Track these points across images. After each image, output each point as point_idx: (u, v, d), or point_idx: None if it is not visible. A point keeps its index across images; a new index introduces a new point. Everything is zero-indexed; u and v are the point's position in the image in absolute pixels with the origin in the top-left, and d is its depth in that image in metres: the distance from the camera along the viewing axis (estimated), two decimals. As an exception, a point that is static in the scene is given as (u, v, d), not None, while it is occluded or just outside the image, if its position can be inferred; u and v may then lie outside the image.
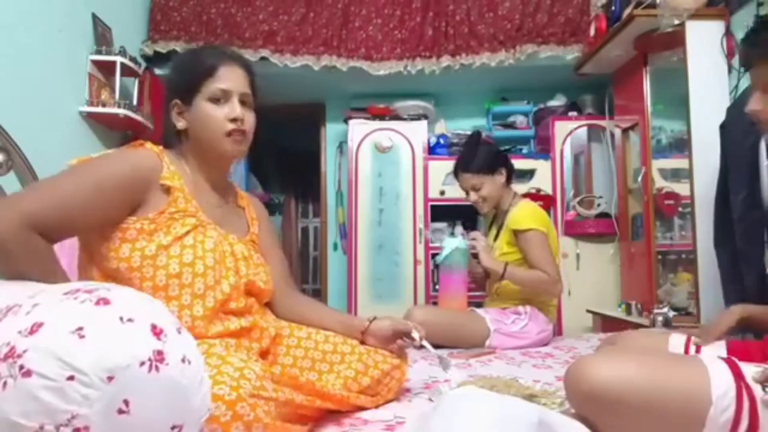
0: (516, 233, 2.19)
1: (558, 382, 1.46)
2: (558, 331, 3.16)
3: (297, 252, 5.49)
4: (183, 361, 0.73)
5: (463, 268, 2.24)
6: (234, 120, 1.19)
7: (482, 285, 2.44)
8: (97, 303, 0.72)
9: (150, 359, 0.69)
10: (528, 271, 2.16)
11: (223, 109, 1.19)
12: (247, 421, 0.82)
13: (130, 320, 0.71)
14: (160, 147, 1.18)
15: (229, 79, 1.20)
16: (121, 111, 2.74)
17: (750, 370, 0.95)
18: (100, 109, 2.72)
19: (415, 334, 1.34)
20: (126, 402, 0.67)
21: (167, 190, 1.12)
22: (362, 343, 1.31)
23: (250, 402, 0.83)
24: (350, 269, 3.53)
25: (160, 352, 0.70)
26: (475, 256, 2.21)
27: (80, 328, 0.68)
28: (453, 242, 2.24)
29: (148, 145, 1.16)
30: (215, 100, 1.18)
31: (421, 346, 1.36)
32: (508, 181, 2.31)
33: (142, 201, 1.09)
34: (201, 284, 1.08)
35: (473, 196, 2.28)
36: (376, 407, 1.26)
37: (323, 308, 1.44)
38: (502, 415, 0.86)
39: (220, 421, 0.80)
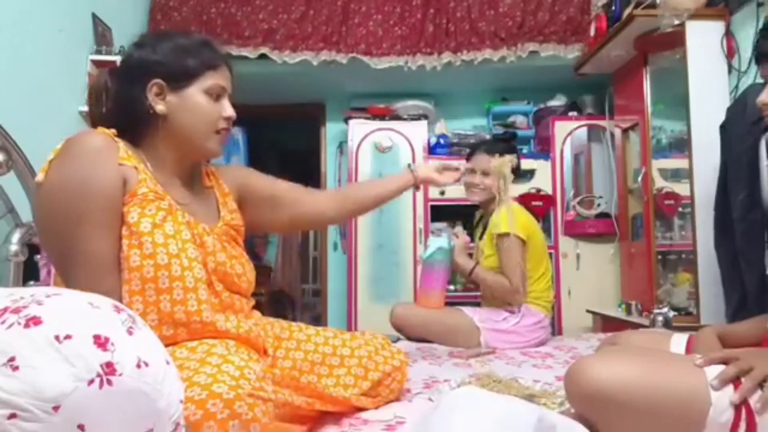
0: (495, 236, 2.19)
1: (558, 382, 1.46)
2: (558, 331, 3.17)
3: (297, 252, 5.48)
4: (139, 365, 0.67)
5: (444, 267, 2.24)
6: (227, 119, 1.17)
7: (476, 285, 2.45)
8: (27, 325, 0.64)
9: (99, 374, 0.63)
10: (494, 275, 2.19)
11: (218, 105, 1.16)
12: (244, 420, 0.82)
13: (67, 337, 0.64)
14: (113, 130, 1.09)
15: (227, 78, 1.19)
16: (121, 111, 2.74)
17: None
18: (100, 109, 2.72)
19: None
20: (81, 427, 0.62)
21: (134, 169, 1.04)
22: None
23: (248, 402, 0.83)
24: (350, 269, 3.52)
25: (109, 364, 0.64)
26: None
27: (11, 359, 0.62)
28: (438, 242, 2.24)
29: (100, 129, 1.09)
30: (211, 95, 1.14)
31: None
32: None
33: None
34: (191, 278, 1.01)
35: (478, 178, 2.27)
36: (377, 408, 1.26)
37: (360, 187, 1.63)
38: (502, 415, 0.86)
39: (217, 419, 0.80)
